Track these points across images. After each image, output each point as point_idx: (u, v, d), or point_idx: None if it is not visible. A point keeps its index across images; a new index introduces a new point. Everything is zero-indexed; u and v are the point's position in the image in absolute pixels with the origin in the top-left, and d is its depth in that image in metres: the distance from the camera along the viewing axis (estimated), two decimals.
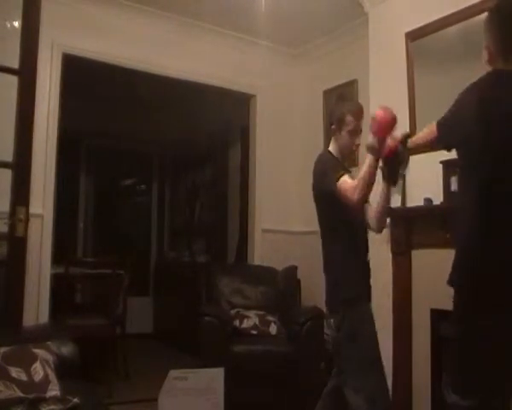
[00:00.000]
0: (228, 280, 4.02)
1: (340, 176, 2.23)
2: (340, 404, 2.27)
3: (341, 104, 2.55)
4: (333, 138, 2.50)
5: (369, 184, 2.13)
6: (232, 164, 5.89)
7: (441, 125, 1.98)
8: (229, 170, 5.98)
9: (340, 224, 2.39)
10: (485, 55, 1.94)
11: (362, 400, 2.16)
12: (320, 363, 3.65)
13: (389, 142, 2.13)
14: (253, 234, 4.61)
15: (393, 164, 2.22)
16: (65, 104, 3.75)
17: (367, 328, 2.35)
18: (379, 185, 2.31)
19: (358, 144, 2.42)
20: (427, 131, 2.11)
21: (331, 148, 2.50)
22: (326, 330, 2.49)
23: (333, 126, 2.46)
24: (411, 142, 2.18)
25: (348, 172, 2.33)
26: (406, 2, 3.35)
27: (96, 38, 3.79)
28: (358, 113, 2.43)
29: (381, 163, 2.18)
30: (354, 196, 2.14)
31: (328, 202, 2.35)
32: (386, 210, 2.46)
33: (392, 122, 2.10)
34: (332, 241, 2.46)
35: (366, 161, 2.13)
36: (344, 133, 2.40)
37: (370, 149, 2.12)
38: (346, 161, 2.53)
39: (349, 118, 2.39)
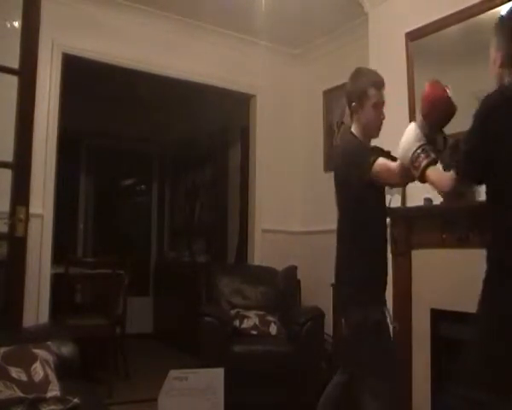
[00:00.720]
0: (228, 280, 4.02)
1: (375, 159, 2.04)
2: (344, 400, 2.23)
3: (359, 78, 2.33)
4: (355, 118, 2.30)
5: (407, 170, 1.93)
6: (232, 164, 5.89)
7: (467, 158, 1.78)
8: (229, 170, 5.98)
9: (365, 225, 2.19)
10: (497, 60, 1.83)
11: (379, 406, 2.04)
12: (320, 363, 3.65)
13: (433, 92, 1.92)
14: (253, 234, 4.61)
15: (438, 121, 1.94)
16: (65, 104, 3.75)
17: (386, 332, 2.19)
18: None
19: (384, 117, 2.26)
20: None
21: (354, 129, 2.30)
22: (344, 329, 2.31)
23: (353, 104, 2.28)
24: (427, 175, 1.87)
25: (381, 153, 2.16)
26: (406, 3, 3.35)
27: (95, 38, 3.79)
28: (380, 82, 2.28)
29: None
30: (396, 179, 2.03)
31: (358, 199, 2.17)
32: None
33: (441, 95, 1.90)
34: (354, 239, 2.24)
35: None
36: (368, 108, 2.23)
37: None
38: (372, 140, 2.33)
39: (372, 90, 2.23)
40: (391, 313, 2.26)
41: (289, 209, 4.66)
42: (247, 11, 3.92)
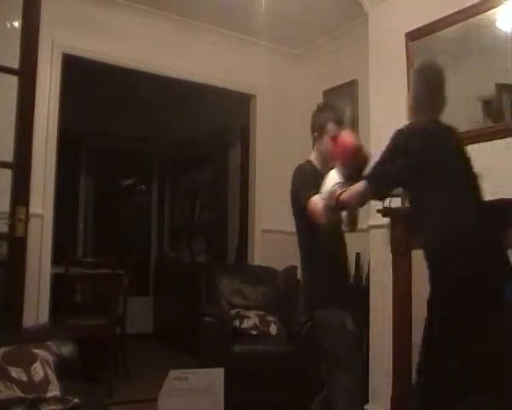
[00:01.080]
0: (228, 280, 4.02)
1: (313, 194, 2.34)
2: None
3: (322, 113, 2.64)
4: (315, 147, 2.63)
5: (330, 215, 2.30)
6: (232, 164, 5.89)
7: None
8: (229, 170, 5.98)
9: (315, 243, 2.49)
10: (412, 106, 2.23)
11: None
12: (320, 363, 3.65)
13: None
14: (253, 234, 4.61)
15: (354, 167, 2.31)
16: (65, 104, 3.75)
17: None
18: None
19: None
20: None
21: (312, 156, 2.63)
22: None
23: (315, 134, 2.59)
24: (341, 201, 2.19)
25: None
26: (406, 3, 3.34)
27: (96, 38, 3.79)
28: (339, 121, 2.61)
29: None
30: (319, 218, 2.31)
31: (303, 219, 2.47)
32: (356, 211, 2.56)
33: (356, 149, 2.27)
34: (309, 258, 2.56)
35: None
36: (325, 139, 2.52)
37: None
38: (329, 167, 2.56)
39: (330, 125, 2.53)
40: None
41: (289, 209, 4.64)
42: (247, 11, 3.92)
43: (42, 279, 3.51)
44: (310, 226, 2.43)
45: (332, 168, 2.38)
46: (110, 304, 4.12)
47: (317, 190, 2.35)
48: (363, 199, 2.19)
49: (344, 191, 2.16)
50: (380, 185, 2.14)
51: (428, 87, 2.21)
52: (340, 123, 2.58)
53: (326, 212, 2.26)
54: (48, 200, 3.58)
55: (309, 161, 2.64)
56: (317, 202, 2.31)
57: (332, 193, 2.18)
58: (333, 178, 2.23)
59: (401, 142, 2.08)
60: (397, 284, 3.18)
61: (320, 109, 2.68)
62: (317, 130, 2.57)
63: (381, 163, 2.11)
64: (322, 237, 2.43)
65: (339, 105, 4.33)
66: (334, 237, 2.55)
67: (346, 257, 2.65)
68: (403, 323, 3.11)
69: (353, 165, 2.26)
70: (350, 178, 2.22)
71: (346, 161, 2.26)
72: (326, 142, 2.50)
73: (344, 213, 2.50)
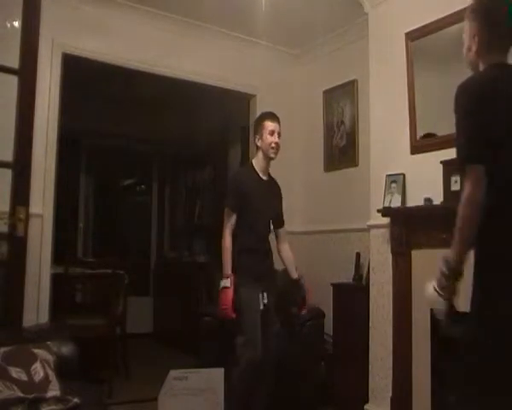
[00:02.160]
0: None
1: (226, 206, 2.96)
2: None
3: (259, 118, 3.14)
4: (257, 150, 3.06)
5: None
6: (232, 164, 5.89)
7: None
8: (229, 170, 5.98)
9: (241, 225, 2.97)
10: (472, 46, 1.81)
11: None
12: (320, 363, 3.65)
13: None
14: None
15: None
16: (65, 104, 3.75)
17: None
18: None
19: (277, 142, 3.01)
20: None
21: (254, 159, 3.08)
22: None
23: (256, 136, 3.04)
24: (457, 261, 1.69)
25: (240, 199, 2.96)
26: (406, 3, 3.34)
27: (95, 38, 3.79)
28: (273, 116, 3.06)
29: None
30: (223, 240, 2.90)
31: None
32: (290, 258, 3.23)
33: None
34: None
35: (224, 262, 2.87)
36: (265, 135, 2.99)
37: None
38: (270, 163, 3.09)
39: (267, 122, 3.02)
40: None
41: (289, 209, 4.63)
42: (247, 11, 3.92)
43: (42, 279, 3.50)
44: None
45: (271, 160, 3.05)
46: (110, 304, 4.11)
47: (235, 199, 2.95)
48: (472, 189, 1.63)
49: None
50: (473, 155, 1.65)
51: (498, 24, 1.77)
52: (274, 118, 3.04)
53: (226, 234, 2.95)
54: (48, 200, 3.57)
55: (250, 165, 3.12)
56: (227, 221, 2.93)
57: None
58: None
59: (471, 100, 1.69)
60: (397, 284, 3.18)
61: (257, 118, 3.18)
62: (258, 131, 3.03)
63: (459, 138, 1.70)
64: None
65: (339, 105, 4.37)
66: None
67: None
68: (403, 323, 3.11)
69: None
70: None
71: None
72: (265, 137, 2.99)
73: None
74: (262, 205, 3.00)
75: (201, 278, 4.69)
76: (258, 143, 3.03)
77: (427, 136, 3.15)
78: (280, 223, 3.23)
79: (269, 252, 3.11)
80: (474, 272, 1.70)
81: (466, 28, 1.86)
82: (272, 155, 3.02)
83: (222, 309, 2.80)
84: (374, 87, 3.55)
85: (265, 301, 2.92)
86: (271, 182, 3.15)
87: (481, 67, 1.80)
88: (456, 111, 1.73)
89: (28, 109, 2.76)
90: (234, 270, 2.86)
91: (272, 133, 3.00)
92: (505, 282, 1.63)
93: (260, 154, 3.04)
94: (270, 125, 3.01)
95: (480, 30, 1.79)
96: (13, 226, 2.66)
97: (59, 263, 3.97)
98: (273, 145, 3.00)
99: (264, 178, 3.07)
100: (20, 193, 2.71)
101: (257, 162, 3.06)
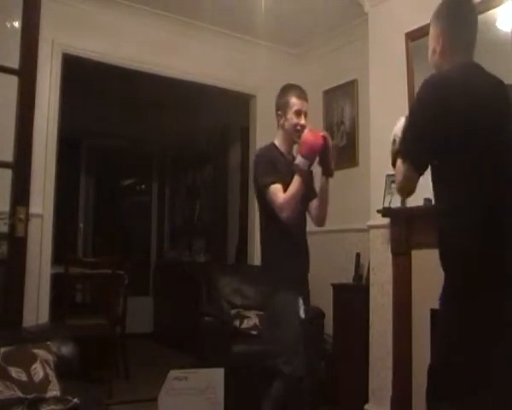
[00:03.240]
0: (228, 280, 4.02)
1: (271, 183, 2.38)
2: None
3: (285, 91, 2.64)
4: (279, 128, 2.62)
5: (297, 202, 2.35)
6: (232, 164, 5.89)
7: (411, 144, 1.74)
8: (229, 170, 5.98)
9: (273, 220, 2.45)
10: (436, 48, 1.82)
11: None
12: (320, 363, 3.65)
13: (317, 139, 2.34)
14: (253, 234, 4.60)
15: (326, 158, 2.45)
16: (65, 104, 3.75)
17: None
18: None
19: (303, 125, 2.51)
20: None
21: (276, 139, 2.63)
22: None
23: (279, 112, 2.59)
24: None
25: (282, 175, 2.42)
26: (406, 2, 3.34)
27: (96, 38, 3.79)
28: (301, 92, 2.58)
29: (317, 160, 2.46)
30: (282, 213, 2.34)
31: (263, 198, 2.48)
32: (326, 204, 2.61)
33: (320, 143, 2.33)
34: (266, 232, 2.57)
35: (294, 181, 2.33)
36: (289, 115, 2.53)
37: (298, 170, 2.34)
38: (294, 146, 2.61)
39: (293, 100, 2.54)
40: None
41: None
42: (247, 11, 3.92)
43: (42, 279, 3.50)
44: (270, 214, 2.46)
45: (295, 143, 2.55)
46: (110, 304, 4.11)
47: (276, 177, 2.39)
48: (408, 182, 1.76)
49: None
50: (415, 153, 1.72)
51: (463, 24, 1.79)
52: (302, 97, 2.57)
53: (289, 208, 2.35)
54: (48, 200, 3.57)
55: (272, 144, 2.63)
56: (278, 193, 2.35)
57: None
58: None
59: (429, 97, 1.70)
60: (397, 284, 3.18)
61: (282, 89, 2.67)
62: (281, 107, 2.58)
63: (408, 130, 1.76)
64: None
65: (339, 105, 4.37)
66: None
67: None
68: (403, 323, 3.11)
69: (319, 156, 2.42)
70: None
71: (312, 158, 2.37)
72: (290, 117, 2.53)
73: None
74: None
75: (201, 278, 4.69)
76: (281, 122, 2.58)
77: None
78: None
79: (307, 247, 2.67)
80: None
81: (431, 31, 1.87)
82: (297, 139, 2.52)
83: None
84: (374, 87, 3.56)
85: (305, 308, 2.48)
86: None
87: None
88: (416, 100, 1.77)
89: (28, 109, 2.76)
90: (267, 272, 2.52)
91: (299, 114, 2.53)
92: (465, 277, 1.67)
93: (282, 134, 2.60)
94: (296, 103, 2.53)
95: (444, 31, 1.80)
96: (13, 226, 2.65)
97: (59, 263, 3.97)
98: (298, 128, 2.52)
99: (289, 158, 2.59)
100: (20, 193, 2.71)
101: (280, 143, 2.61)
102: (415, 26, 3.21)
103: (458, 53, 1.78)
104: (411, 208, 3.11)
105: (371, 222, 3.44)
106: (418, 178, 1.74)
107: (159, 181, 7.36)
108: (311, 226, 4.54)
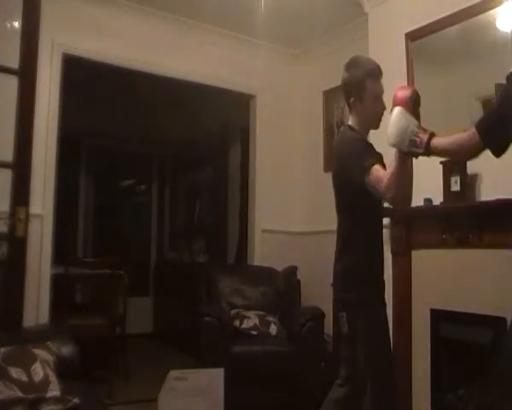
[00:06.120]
0: (228, 280, 4.02)
1: (371, 165, 1.93)
2: None
3: (356, 68, 2.15)
4: (353, 112, 2.17)
5: (402, 179, 1.89)
6: (232, 164, 5.89)
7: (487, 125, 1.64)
8: (229, 170, 5.98)
9: (363, 216, 2.11)
10: None
11: None
12: (320, 363, 3.65)
13: (400, 94, 1.89)
14: (253, 234, 4.60)
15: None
16: (65, 104, 3.75)
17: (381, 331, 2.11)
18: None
19: (385, 108, 2.11)
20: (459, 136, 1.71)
21: (352, 122, 2.18)
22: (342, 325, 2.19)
23: (352, 99, 2.15)
24: (434, 146, 1.77)
25: (378, 156, 2.06)
26: (406, 3, 3.34)
27: (96, 38, 3.79)
28: (377, 72, 2.14)
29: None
30: (387, 194, 1.90)
31: (354, 194, 2.07)
32: (410, 176, 2.17)
33: (412, 97, 1.89)
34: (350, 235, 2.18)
35: (395, 155, 1.88)
36: (367, 102, 2.11)
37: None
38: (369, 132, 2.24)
39: (369, 82, 2.10)
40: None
41: (289, 209, 4.65)
42: (247, 11, 3.92)
43: (42, 279, 3.50)
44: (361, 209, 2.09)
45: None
46: (110, 304, 4.12)
47: (375, 159, 1.98)
48: (473, 147, 1.66)
49: (433, 133, 1.72)
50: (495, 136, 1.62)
51: None
52: (378, 75, 2.14)
53: (394, 187, 1.85)
54: (48, 200, 3.57)
55: (351, 128, 2.17)
56: (380, 172, 1.92)
57: (414, 134, 1.76)
58: (401, 118, 1.81)
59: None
60: (397, 284, 3.18)
61: (352, 65, 2.17)
62: (355, 93, 2.12)
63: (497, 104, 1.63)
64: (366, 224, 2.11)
65: (339, 106, 4.37)
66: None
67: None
68: (403, 323, 3.11)
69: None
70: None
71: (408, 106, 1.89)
72: (368, 104, 2.10)
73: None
74: None
75: (201, 278, 4.68)
76: (357, 108, 2.15)
77: None
78: None
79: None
80: None
81: None
82: (376, 128, 2.20)
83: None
84: None
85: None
86: None
87: None
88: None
89: (28, 109, 2.77)
90: (351, 282, 2.20)
91: (380, 98, 2.13)
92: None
93: (357, 119, 2.17)
94: (377, 86, 2.12)
95: None
96: (13, 226, 2.66)
97: (59, 263, 3.96)
98: (380, 116, 2.15)
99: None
100: (20, 193, 2.71)
101: (359, 129, 2.18)
102: (415, 26, 3.21)
103: None
104: (411, 208, 3.10)
105: None
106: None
107: (159, 181, 7.36)
108: (310, 226, 4.56)
